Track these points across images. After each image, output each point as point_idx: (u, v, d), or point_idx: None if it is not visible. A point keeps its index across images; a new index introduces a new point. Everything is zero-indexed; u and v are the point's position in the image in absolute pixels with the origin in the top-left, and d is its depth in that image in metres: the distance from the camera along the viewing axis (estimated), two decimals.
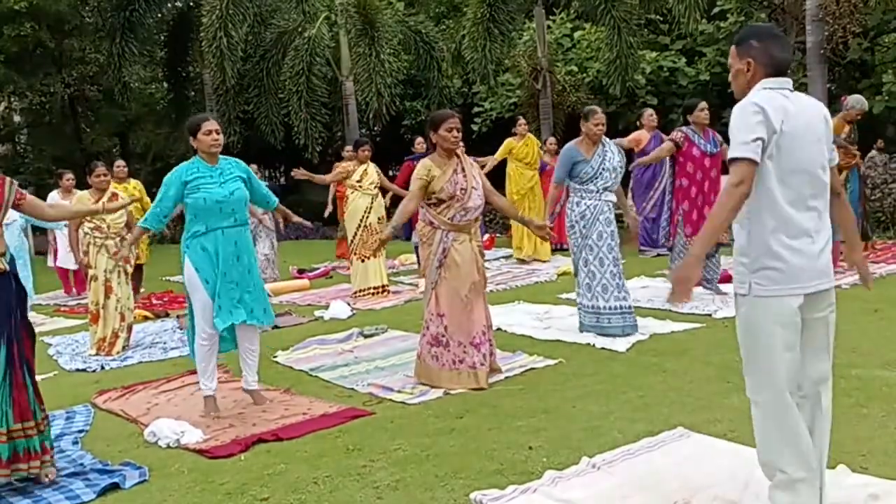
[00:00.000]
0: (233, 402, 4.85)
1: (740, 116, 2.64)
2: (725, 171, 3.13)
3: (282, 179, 27.44)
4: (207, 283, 4.52)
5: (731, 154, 2.63)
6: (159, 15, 19.63)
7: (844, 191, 8.84)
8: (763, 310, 2.67)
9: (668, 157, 7.29)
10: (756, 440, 2.81)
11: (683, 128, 7.15)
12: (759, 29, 2.87)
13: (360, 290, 8.63)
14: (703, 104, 7.12)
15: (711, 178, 7.00)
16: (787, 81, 2.73)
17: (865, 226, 9.13)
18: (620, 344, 5.63)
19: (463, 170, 4.95)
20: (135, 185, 9.54)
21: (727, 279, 7.36)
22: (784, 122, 2.62)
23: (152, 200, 5.00)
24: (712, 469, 3.31)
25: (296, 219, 5.54)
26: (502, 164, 11.15)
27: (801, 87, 14.11)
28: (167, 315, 8.41)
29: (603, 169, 5.97)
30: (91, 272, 6.71)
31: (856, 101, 8.22)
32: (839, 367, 4.46)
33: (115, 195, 6.86)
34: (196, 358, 4.66)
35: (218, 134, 4.63)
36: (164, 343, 6.92)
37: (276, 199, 5.15)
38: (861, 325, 5.69)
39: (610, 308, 5.93)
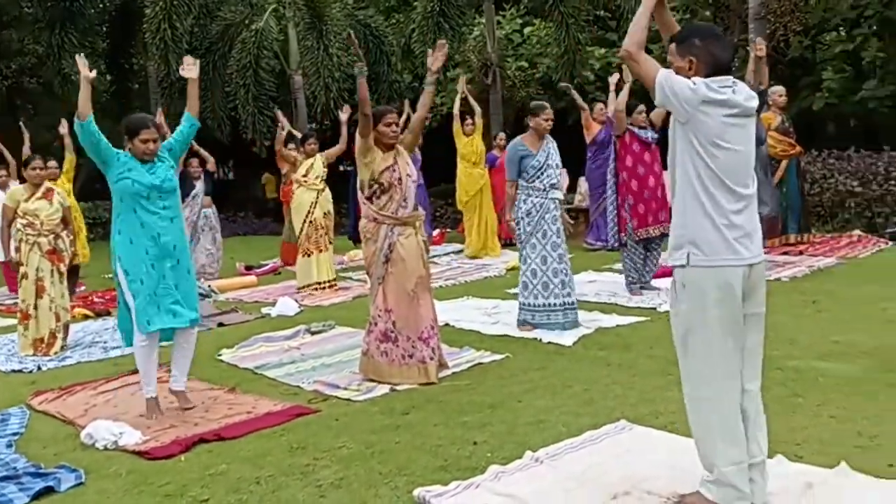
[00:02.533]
0: (175, 402, 4.75)
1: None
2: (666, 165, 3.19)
3: (230, 174, 27.05)
4: (142, 283, 4.39)
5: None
6: (101, 5, 19.19)
7: (781, 183, 8.98)
8: (701, 282, 2.74)
9: (613, 157, 7.37)
10: (693, 435, 2.87)
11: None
12: (700, 28, 2.92)
13: (307, 286, 8.54)
14: (641, 107, 7.21)
15: (654, 171, 7.09)
16: (728, 79, 2.80)
17: (805, 220, 9.39)
18: (567, 338, 5.67)
19: (398, 161, 4.97)
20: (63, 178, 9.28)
21: (665, 274, 7.50)
22: (718, 97, 2.70)
23: (95, 197, 4.84)
24: (653, 461, 3.35)
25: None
26: (453, 167, 11.18)
27: (745, 83, 14.44)
28: (108, 314, 8.21)
29: (548, 165, 6.01)
30: (22, 270, 6.50)
31: (773, 90, 8.83)
32: (777, 359, 4.60)
33: (50, 191, 6.66)
34: (137, 359, 4.54)
35: (155, 144, 4.46)
36: (105, 342, 6.74)
37: (191, 119, 4.74)
38: (799, 318, 5.84)
39: (549, 305, 5.97)
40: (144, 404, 4.55)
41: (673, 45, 2.88)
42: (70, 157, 9.34)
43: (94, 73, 4.49)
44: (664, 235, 6.96)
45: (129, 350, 5.61)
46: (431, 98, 5.23)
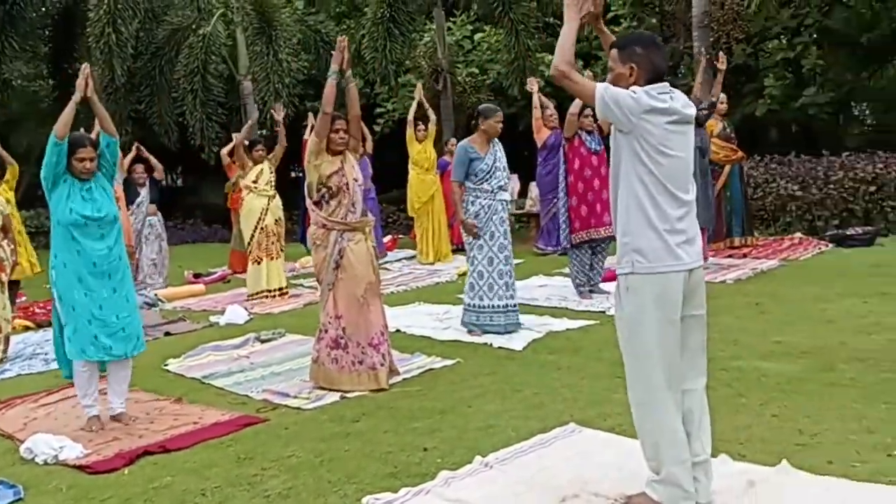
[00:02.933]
0: (126, 412, 4.63)
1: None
2: None
3: (178, 181, 26.60)
4: (73, 310, 4.29)
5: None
6: (43, 9, 18.69)
7: (725, 187, 9.13)
8: (643, 289, 2.80)
9: (563, 160, 7.44)
10: (638, 436, 2.91)
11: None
12: (640, 36, 2.98)
13: (257, 293, 8.44)
14: (588, 111, 7.30)
15: (601, 175, 7.18)
16: (666, 86, 2.86)
17: (748, 223, 9.61)
18: (517, 343, 5.70)
19: (344, 166, 4.96)
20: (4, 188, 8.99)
21: (611, 278, 7.59)
22: (658, 106, 2.76)
23: (38, 204, 4.68)
24: (601, 463, 3.39)
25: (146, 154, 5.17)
26: (405, 173, 11.18)
27: (689, 89, 14.72)
28: (50, 325, 7.97)
29: (496, 168, 6.05)
30: None
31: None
32: (721, 360, 4.69)
33: None
34: (76, 383, 4.42)
35: (91, 163, 4.36)
36: (46, 354, 6.54)
37: (109, 139, 4.55)
38: (742, 319, 5.97)
39: (493, 307, 6.02)
40: (83, 416, 4.44)
41: (614, 52, 2.93)
42: (13, 167, 9.03)
43: (88, 90, 4.41)
44: (610, 238, 7.07)
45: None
46: (352, 92, 5.17)
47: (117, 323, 4.37)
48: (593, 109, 2.90)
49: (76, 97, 4.35)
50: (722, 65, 7.69)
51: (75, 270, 4.29)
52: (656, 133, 2.77)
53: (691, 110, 2.89)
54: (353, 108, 5.09)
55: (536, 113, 10.45)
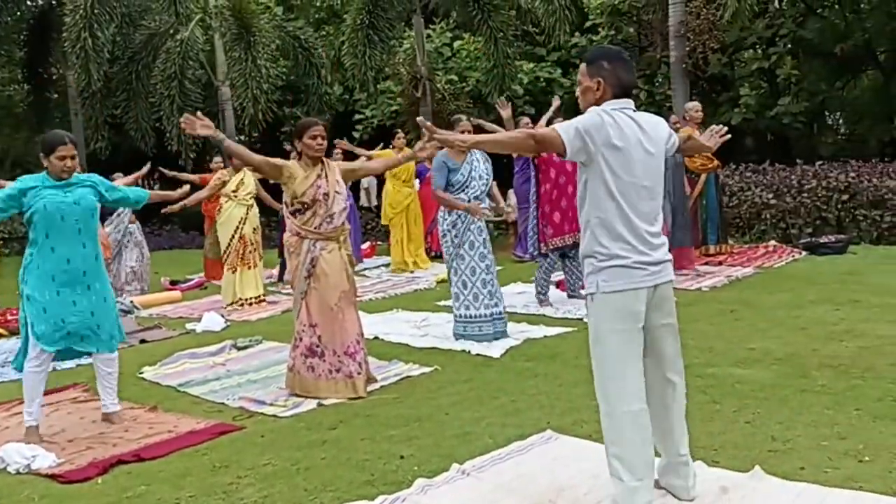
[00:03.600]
0: (92, 423, 4.60)
1: (582, 117, 2.85)
2: None
3: (155, 187, 26.40)
4: (45, 312, 4.24)
5: (553, 127, 2.85)
6: (18, 13, 18.51)
7: (701, 195, 9.17)
8: (607, 307, 2.85)
9: (533, 169, 7.49)
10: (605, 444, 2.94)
11: None
12: (608, 51, 3.02)
13: (235, 302, 8.39)
14: (559, 119, 7.38)
15: (575, 181, 7.19)
16: (630, 102, 2.93)
17: (723, 231, 9.71)
18: (495, 350, 5.71)
19: (326, 175, 4.92)
20: None
21: None
22: (619, 137, 2.82)
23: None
24: (578, 470, 3.41)
25: (175, 195, 5.28)
26: (380, 181, 11.19)
27: (666, 98, 14.89)
28: None
29: (472, 178, 6.06)
30: None
31: (689, 107, 9.22)
32: (696, 367, 4.73)
33: None
34: (25, 386, 4.34)
35: (73, 160, 4.33)
36: None
37: (145, 192, 4.80)
38: (717, 326, 6.02)
39: (480, 316, 6.03)
40: (57, 425, 4.39)
41: (583, 66, 2.99)
42: None
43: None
44: (575, 245, 7.17)
45: (61, 365, 5.47)
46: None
47: (91, 319, 4.34)
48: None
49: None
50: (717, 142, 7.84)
51: (48, 270, 4.25)
52: (617, 160, 2.82)
53: (659, 131, 2.95)
54: (373, 171, 5.21)
55: (509, 125, 10.50)
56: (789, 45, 14.41)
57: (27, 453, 3.92)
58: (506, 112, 7.33)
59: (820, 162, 11.89)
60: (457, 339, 6.09)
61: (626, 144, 2.83)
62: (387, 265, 11.33)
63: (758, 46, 14.76)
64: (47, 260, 4.25)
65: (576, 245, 7.18)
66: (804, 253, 9.74)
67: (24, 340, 4.40)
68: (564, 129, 2.82)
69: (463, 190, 6.04)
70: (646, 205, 2.88)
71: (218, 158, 9.34)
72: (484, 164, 6.18)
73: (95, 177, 4.56)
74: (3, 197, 4.24)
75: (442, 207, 6.16)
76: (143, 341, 7.00)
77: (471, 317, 6.04)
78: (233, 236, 8.46)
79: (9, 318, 8.67)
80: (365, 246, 12.87)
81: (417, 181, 11.40)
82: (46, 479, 3.75)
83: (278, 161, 4.94)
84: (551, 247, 7.25)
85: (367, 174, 5.30)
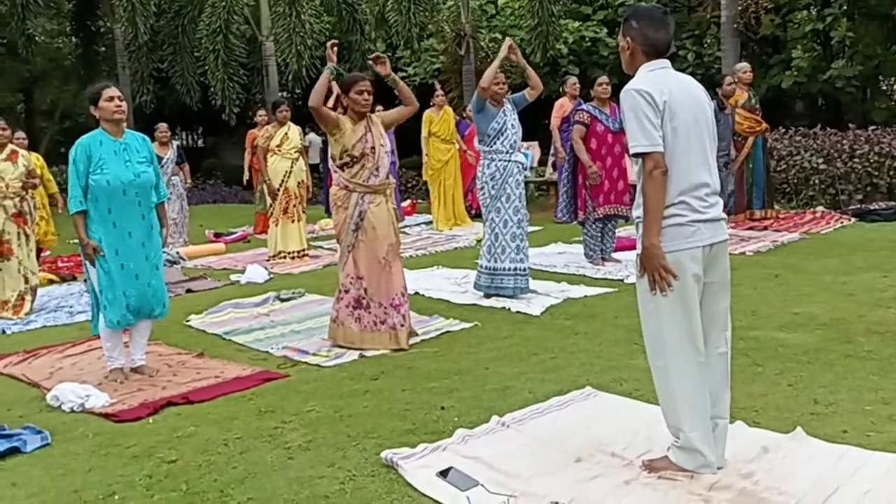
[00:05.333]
0: (147, 364, 4.73)
1: (631, 105, 2.77)
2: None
3: (199, 142, 26.68)
4: (113, 284, 4.34)
5: (636, 149, 2.76)
6: None
7: (747, 159, 8.98)
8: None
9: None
10: (659, 401, 2.95)
11: (585, 105, 7.27)
12: (637, 9, 2.96)
13: (279, 254, 8.52)
14: (603, 78, 7.24)
15: (615, 153, 7.14)
16: (664, 62, 2.88)
17: (769, 196, 9.54)
18: (535, 307, 5.73)
19: (371, 130, 4.95)
20: (37, 158, 9.03)
21: (623, 248, 7.62)
22: (668, 98, 2.77)
23: (60, 161, 4.70)
24: (618, 426, 3.42)
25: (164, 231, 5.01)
26: (416, 136, 11.17)
27: (714, 60, 14.55)
28: (74, 278, 8.13)
29: (506, 126, 6.04)
30: None
31: (739, 67, 9.10)
32: (739, 329, 4.67)
33: (14, 153, 6.54)
34: (102, 337, 4.52)
35: (121, 101, 4.38)
36: (70, 307, 6.68)
37: (165, 192, 4.78)
38: (761, 290, 5.96)
39: (504, 269, 6.06)
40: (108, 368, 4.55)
41: (622, 24, 2.95)
42: (40, 163, 8.79)
43: None
44: (618, 216, 7.23)
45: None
46: (406, 89, 5.21)
47: (149, 290, 4.46)
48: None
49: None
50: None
51: (112, 244, 4.33)
52: (666, 115, 2.77)
53: (696, 88, 2.90)
54: (410, 103, 5.16)
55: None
56: (845, 7, 13.92)
57: (81, 392, 4.06)
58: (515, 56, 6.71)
59: (873, 127, 11.57)
60: (477, 290, 6.16)
61: (673, 103, 2.77)
62: (428, 223, 11.37)
63: (812, 7, 14.28)
64: (110, 234, 4.33)
65: (608, 217, 7.16)
66: (853, 219, 9.54)
67: (95, 306, 4.54)
68: (652, 143, 2.73)
69: (498, 138, 6.04)
70: (700, 159, 2.84)
71: (262, 111, 9.39)
72: (514, 115, 6.16)
73: (149, 145, 4.58)
74: (78, 191, 4.29)
75: (481, 161, 6.15)
76: (189, 291, 7.16)
77: (494, 269, 6.08)
78: (278, 190, 8.55)
79: (59, 265, 8.93)
80: (405, 203, 12.92)
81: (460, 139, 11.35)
82: (99, 418, 3.89)
83: (332, 114, 4.98)
84: (595, 217, 7.20)
85: (407, 116, 5.28)
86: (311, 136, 15.21)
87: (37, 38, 18.04)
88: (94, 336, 5.29)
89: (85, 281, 7.55)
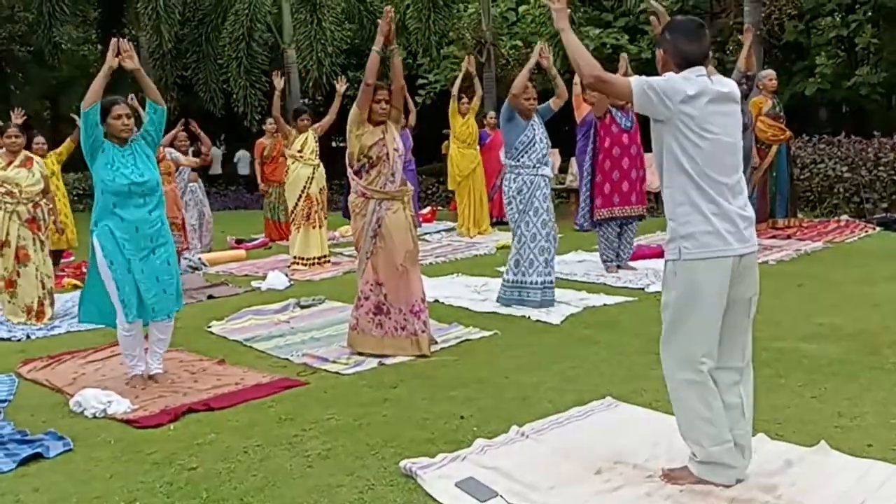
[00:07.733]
0: (163, 374, 4.77)
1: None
2: (648, 147, 3.23)
3: (222, 148, 26.87)
4: (127, 272, 4.38)
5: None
6: None
7: (771, 167, 8.92)
8: (688, 274, 2.79)
9: (592, 140, 7.38)
10: (676, 416, 2.92)
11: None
12: (672, 21, 2.98)
13: (299, 259, 8.56)
14: None
15: (631, 154, 7.16)
16: (700, 69, 2.85)
17: (793, 204, 9.45)
18: (555, 316, 5.71)
19: (386, 136, 4.98)
20: (57, 155, 9.15)
21: (641, 256, 7.59)
22: (701, 96, 2.75)
23: (83, 167, 4.72)
24: (639, 437, 3.40)
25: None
26: (435, 143, 11.19)
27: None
28: None
29: (535, 139, 6.04)
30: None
31: (763, 75, 8.98)
32: (761, 340, 4.63)
33: (29, 159, 6.62)
34: (122, 343, 4.56)
35: (129, 119, 4.43)
36: None
37: (162, 109, 4.63)
38: (784, 300, 5.90)
39: (532, 283, 6.04)
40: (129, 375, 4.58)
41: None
42: (70, 144, 9.04)
43: (133, 62, 4.46)
44: (633, 217, 7.22)
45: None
46: (396, 64, 5.15)
47: (158, 285, 4.48)
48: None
49: (105, 69, 4.35)
50: (746, 39, 7.58)
51: (118, 238, 4.38)
52: (696, 115, 2.75)
53: (732, 88, 2.87)
54: (397, 80, 5.08)
55: (577, 89, 10.33)
56: (870, 13, 13.76)
57: (103, 398, 4.09)
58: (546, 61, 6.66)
59: None
60: (500, 303, 6.14)
61: (703, 97, 2.76)
62: (448, 230, 11.37)
63: (836, 13, 14.14)
64: (117, 227, 4.38)
65: (624, 219, 7.16)
66: (878, 229, 9.42)
67: (85, 295, 4.57)
68: (637, 79, 2.79)
69: (526, 152, 6.03)
70: (730, 164, 2.81)
71: (270, 120, 9.44)
72: (542, 128, 6.15)
73: (138, 139, 4.59)
74: (98, 131, 4.35)
75: (507, 175, 6.14)
76: (210, 297, 7.20)
77: (522, 283, 6.07)
78: (300, 196, 8.59)
79: (84, 270, 9.00)
80: (425, 211, 12.93)
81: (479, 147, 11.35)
82: (121, 424, 3.92)
83: (368, 106, 4.97)
84: (598, 217, 7.20)
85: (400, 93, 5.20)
86: (241, 152, 15.37)
87: (63, 46, 18.27)
88: (117, 342, 5.35)
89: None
